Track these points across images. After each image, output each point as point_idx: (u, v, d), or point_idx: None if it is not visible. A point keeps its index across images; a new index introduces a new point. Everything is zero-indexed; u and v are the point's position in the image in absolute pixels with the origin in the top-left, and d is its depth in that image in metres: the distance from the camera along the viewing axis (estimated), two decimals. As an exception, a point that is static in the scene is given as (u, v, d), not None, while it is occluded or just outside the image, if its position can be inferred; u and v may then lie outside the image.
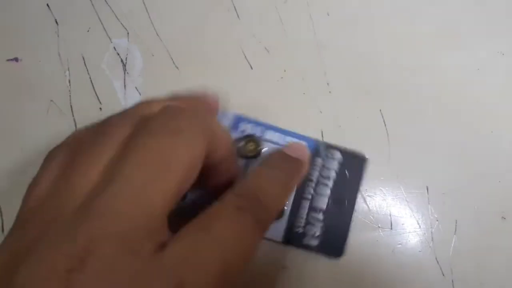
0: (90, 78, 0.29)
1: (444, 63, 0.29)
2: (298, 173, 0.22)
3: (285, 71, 0.29)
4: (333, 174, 0.26)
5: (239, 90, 0.28)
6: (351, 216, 0.25)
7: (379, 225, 0.26)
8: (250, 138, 0.26)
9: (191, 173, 0.15)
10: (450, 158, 0.27)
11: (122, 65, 0.30)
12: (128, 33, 0.30)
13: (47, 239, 0.12)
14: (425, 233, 0.26)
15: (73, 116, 0.29)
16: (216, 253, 0.14)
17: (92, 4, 0.31)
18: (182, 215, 0.15)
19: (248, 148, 0.25)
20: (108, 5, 0.31)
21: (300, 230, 0.25)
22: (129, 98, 0.29)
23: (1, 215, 0.27)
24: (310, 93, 0.29)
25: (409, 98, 0.28)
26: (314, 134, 0.27)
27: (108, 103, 0.29)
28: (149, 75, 0.29)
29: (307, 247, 0.24)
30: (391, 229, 0.26)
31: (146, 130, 0.15)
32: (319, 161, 0.26)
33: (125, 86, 0.29)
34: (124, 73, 0.29)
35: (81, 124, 0.28)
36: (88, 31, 0.30)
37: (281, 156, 0.22)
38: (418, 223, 0.26)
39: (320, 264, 0.25)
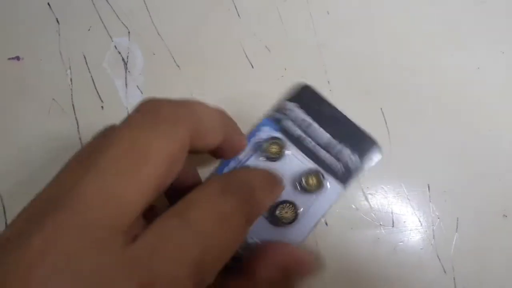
0: (91, 76, 0.29)
1: (445, 62, 0.29)
2: (279, 180, 0.21)
3: (285, 69, 0.29)
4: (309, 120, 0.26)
5: (240, 89, 0.29)
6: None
7: (381, 223, 0.26)
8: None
9: (172, 166, 0.14)
10: (451, 156, 0.27)
11: (123, 64, 0.30)
12: (129, 32, 0.30)
13: (16, 233, 0.12)
14: (426, 231, 0.26)
15: (74, 114, 0.29)
16: (191, 240, 0.13)
17: (93, 3, 0.31)
18: None
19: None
20: (109, 4, 0.31)
21: (338, 166, 0.25)
22: (130, 97, 0.29)
23: (4, 214, 0.27)
24: (311, 91, 0.29)
25: (410, 97, 0.29)
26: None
27: (110, 101, 0.29)
28: (150, 74, 0.29)
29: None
30: (393, 226, 0.26)
31: (125, 123, 0.15)
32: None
33: (126, 84, 0.29)
34: (126, 72, 0.29)
35: (83, 123, 0.28)
36: (89, 30, 0.30)
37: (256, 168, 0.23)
38: (420, 221, 0.26)
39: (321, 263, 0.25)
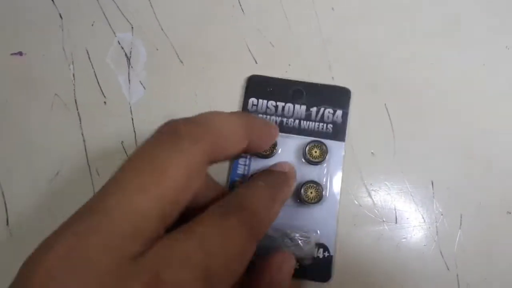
0: (94, 72, 0.29)
1: (450, 57, 0.29)
2: (285, 184, 0.22)
3: (289, 65, 0.29)
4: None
5: (244, 85, 0.28)
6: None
7: (384, 219, 0.26)
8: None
9: (191, 179, 0.15)
10: (455, 152, 0.27)
11: (127, 59, 0.30)
12: (132, 27, 0.30)
13: (52, 237, 0.13)
14: (430, 227, 0.26)
15: (77, 110, 0.29)
16: (195, 247, 0.14)
17: (96, -2, 0.31)
18: None
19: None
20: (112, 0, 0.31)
21: (328, 127, 0.26)
22: (133, 92, 0.29)
23: (6, 211, 0.27)
24: (314, 87, 0.29)
25: (414, 93, 0.28)
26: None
27: (113, 97, 0.29)
28: (154, 69, 0.29)
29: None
30: (396, 223, 0.26)
31: (148, 139, 0.16)
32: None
33: (129, 80, 0.29)
34: (129, 67, 0.29)
35: (85, 118, 0.28)
36: (92, 25, 0.30)
37: (265, 172, 0.23)
38: (423, 217, 0.26)
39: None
